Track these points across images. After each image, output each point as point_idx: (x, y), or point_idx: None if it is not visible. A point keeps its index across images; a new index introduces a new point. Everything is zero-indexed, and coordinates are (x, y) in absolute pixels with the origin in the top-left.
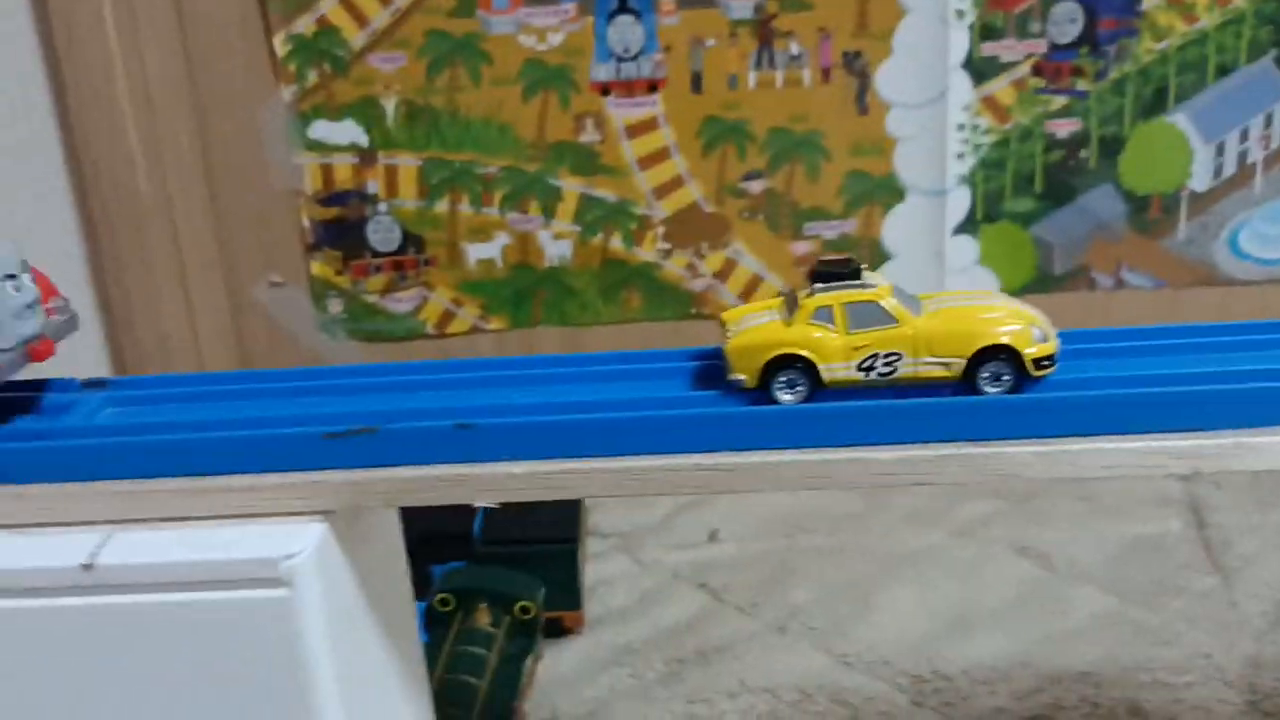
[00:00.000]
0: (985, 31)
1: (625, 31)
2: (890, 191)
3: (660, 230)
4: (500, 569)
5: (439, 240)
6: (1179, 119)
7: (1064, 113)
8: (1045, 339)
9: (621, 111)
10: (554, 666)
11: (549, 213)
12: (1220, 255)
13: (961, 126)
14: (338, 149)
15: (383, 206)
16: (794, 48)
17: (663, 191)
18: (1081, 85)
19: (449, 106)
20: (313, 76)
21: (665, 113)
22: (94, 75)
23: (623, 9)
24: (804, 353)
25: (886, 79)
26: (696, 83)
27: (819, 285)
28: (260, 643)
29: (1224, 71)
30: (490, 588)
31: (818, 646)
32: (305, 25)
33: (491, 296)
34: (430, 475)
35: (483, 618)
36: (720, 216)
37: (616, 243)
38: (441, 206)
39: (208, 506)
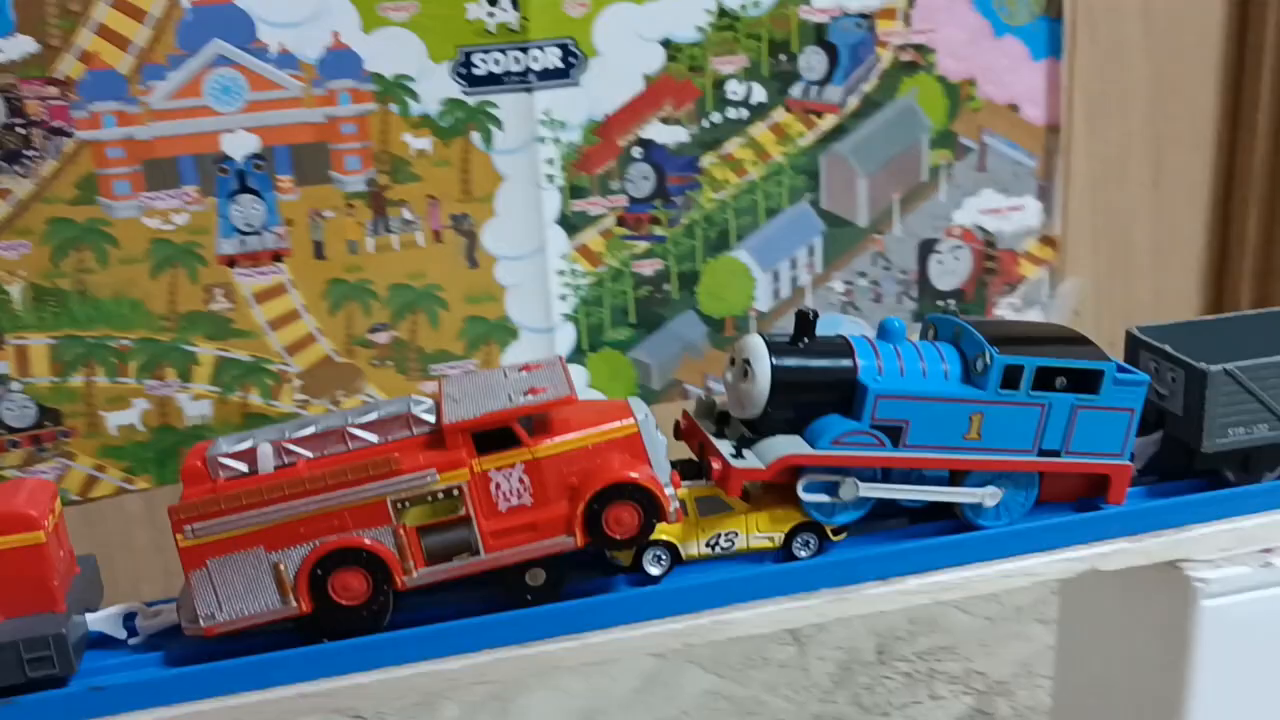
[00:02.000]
0: (574, 191)
1: (247, 209)
2: (505, 331)
3: (296, 383)
4: None
5: (77, 412)
6: (741, 253)
7: (647, 254)
8: None
9: (249, 280)
10: None
11: (185, 376)
12: None
13: (561, 272)
14: None
15: (15, 385)
16: (406, 214)
17: (295, 348)
18: (659, 231)
19: (78, 287)
20: None
21: (292, 278)
22: None
23: (243, 189)
24: None
25: (491, 236)
26: (319, 250)
27: None
28: None
29: (772, 213)
30: None
31: None
32: None
33: (135, 459)
34: None
35: None
36: (352, 366)
37: (255, 398)
38: (76, 381)
39: None
